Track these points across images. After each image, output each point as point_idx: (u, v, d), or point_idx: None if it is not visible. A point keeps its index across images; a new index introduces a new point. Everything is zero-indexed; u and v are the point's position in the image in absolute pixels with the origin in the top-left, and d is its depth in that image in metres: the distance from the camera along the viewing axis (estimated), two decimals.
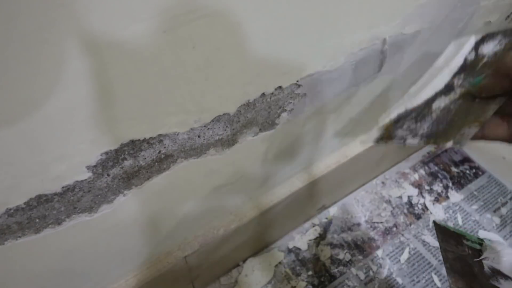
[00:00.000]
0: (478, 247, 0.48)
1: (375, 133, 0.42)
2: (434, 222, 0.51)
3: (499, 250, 0.46)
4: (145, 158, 0.33)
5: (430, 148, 0.83)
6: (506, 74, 0.28)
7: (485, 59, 0.39)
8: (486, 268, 0.46)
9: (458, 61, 0.43)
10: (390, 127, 0.42)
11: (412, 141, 0.36)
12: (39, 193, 0.29)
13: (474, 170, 0.80)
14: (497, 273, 0.46)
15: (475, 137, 0.31)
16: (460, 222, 0.72)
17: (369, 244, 0.69)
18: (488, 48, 0.41)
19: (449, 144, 0.32)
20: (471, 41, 0.44)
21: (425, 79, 0.43)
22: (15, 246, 0.31)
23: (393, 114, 0.42)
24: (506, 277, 0.46)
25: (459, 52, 0.43)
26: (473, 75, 0.38)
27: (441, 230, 0.49)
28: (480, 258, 0.47)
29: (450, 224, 0.72)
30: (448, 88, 0.39)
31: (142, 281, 0.47)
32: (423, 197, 0.76)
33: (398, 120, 0.41)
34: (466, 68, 0.41)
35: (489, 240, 0.49)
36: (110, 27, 0.23)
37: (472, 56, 0.42)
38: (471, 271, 0.46)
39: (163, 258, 0.48)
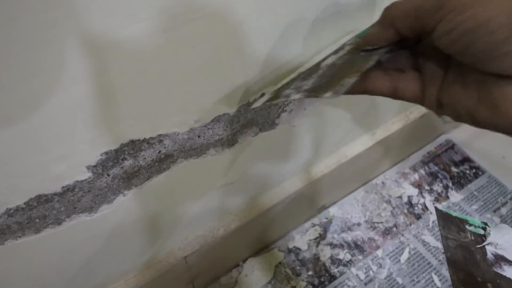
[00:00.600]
0: (481, 232, 0.46)
1: (265, 98, 0.36)
2: (435, 208, 0.49)
3: (504, 234, 0.44)
4: (145, 158, 0.33)
5: (430, 148, 0.83)
6: (390, 24, 0.25)
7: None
8: (489, 255, 0.45)
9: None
10: (280, 91, 0.36)
11: (295, 96, 0.31)
12: (39, 193, 0.29)
13: (474, 170, 0.80)
14: (501, 259, 0.44)
15: (358, 90, 0.28)
16: None
17: (369, 244, 0.69)
18: None
19: (328, 94, 0.28)
20: None
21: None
22: (15, 246, 0.31)
23: (285, 80, 0.38)
24: (510, 262, 0.44)
25: None
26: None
27: (443, 217, 0.49)
28: (483, 243, 0.45)
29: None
30: (338, 49, 0.35)
31: (142, 281, 0.47)
32: (423, 197, 0.76)
33: (288, 83, 0.36)
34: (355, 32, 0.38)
35: (494, 224, 0.46)
36: (110, 27, 0.23)
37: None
38: (473, 259, 0.45)
39: (163, 258, 0.48)
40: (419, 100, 0.26)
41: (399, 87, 0.27)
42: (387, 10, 0.25)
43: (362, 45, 0.28)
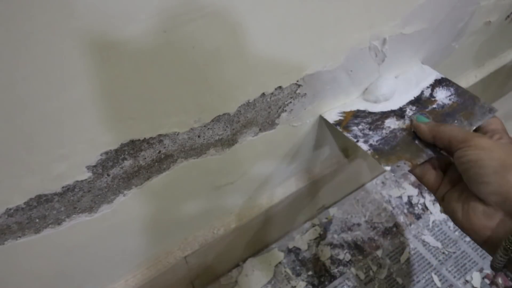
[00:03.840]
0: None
1: (336, 115, 0.45)
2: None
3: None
4: (145, 158, 0.33)
5: None
6: (432, 137, 0.37)
7: (434, 105, 0.43)
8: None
9: (415, 91, 0.46)
10: (349, 116, 0.44)
11: (363, 146, 0.41)
12: (39, 193, 0.29)
13: None
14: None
15: (412, 172, 0.38)
16: None
17: (369, 244, 0.69)
18: (441, 95, 0.45)
19: (387, 168, 0.38)
20: (432, 76, 0.47)
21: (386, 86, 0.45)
22: (15, 246, 0.31)
23: (354, 107, 0.44)
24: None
25: (420, 83, 0.46)
26: (420, 112, 0.44)
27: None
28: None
29: (450, 224, 0.72)
30: (400, 112, 0.43)
31: (142, 281, 0.47)
32: (423, 197, 0.76)
33: (357, 116, 0.43)
34: (419, 102, 0.45)
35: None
36: (110, 27, 0.23)
37: (428, 93, 0.46)
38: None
39: (163, 258, 0.48)
40: (434, 191, 0.37)
41: (426, 176, 0.38)
42: (435, 127, 0.37)
43: (415, 132, 0.40)
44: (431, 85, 0.47)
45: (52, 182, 0.29)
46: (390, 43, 0.43)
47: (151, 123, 0.31)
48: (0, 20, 0.19)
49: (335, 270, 0.66)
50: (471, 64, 0.66)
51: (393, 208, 0.74)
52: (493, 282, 0.65)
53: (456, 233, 0.70)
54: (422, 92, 0.47)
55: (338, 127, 0.44)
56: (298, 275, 0.65)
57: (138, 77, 0.27)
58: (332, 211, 0.73)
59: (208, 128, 0.36)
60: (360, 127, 0.43)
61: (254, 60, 0.33)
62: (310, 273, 0.66)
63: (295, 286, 0.64)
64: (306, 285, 0.64)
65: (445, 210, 0.35)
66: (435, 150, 0.38)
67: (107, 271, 0.44)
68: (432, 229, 0.71)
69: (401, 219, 0.73)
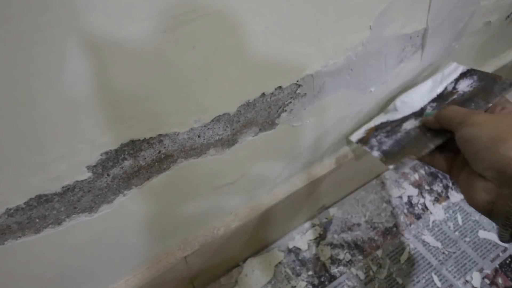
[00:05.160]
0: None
1: (360, 134, 0.47)
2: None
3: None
4: (145, 158, 0.33)
5: None
6: (437, 121, 0.38)
7: (455, 96, 0.43)
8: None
9: (439, 89, 0.47)
10: (371, 132, 0.45)
11: (375, 153, 0.44)
12: (39, 193, 0.29)
13: None
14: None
15: (422, 161, 0.40)
16: (460, 222, 0.72)
17: (369, 244, 0.69)
18: (463, 85, 0.45)
19: (391, 167, 0.41)
20: (458, 71, 0.48)
21: (414, 91, 0.46)
22: (15, 246, 0.31)
23: (378, 121, 0.46)
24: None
25: (446, 79, 0.47)
26: (438, 107, 0.43)
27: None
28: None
29: (450, 224, 0.72)
30: (420, 111, 0.44)
31: (142, 281, 0.47)
32: (423, 197, 0.76)
33: (378, 129, 0.45)
34: (441, 98, 0.45)
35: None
36: (110, 27, 0.23)
37: (451, 87, 0.46)
38: None
39: (163, 258, 0.48)
40: (447, 173, 0.38)
41: (434, 162, 0.40)
42: (438, 112, 0.38)
43: (425, 124, 0.42)
44: (455, 79, 0.48)
45: (52, 182, 0.29)
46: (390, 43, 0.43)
47: (151, 123, 0.31)
48: (0, 20, 0.19)
49: (335, 270, 0.66)
50: (471, 64, 0.66)
51: (393, 208, 0.74)
52: (493, 282, 0.65)
53: (456, 233, 0.70)
54: (445, 88, 0.47)
55: (359, 144, 0.47)
56: (298, 275, 0.65)
57: (138, 77, 0.27)
58: (332, 211, 0.73)
59: (208, 128, 0.36)
60: (378, 137, 0.46)
61: (254, 60, 0.33)
62: (310, 273, 0.66)
63: (295, 286, 0.64)
64: (306, 285, 0.64)
65: (460, 190, 0.37)
66: (445, 135, 0.39)
67: (107, 271, 0.44)
68: (432, 229, 0.71)
69: (401, 219, 0.73)
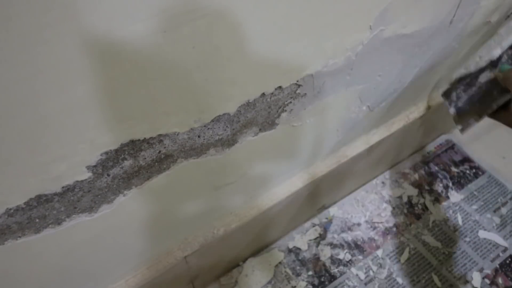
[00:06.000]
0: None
1: (445, 85, 0.49)
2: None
3: None
4: (145, 158, 0.33)
5: (430, 148, 0.83)
6: (504, 82, 0.40)
7: None
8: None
9: None
10: (454, 84, 0.48)
11: (451, 110, 0.46)
12: (39, 193, 0.29)
13: (474, 170, 0.80)
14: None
15: (490, 116, 0.42)
16: (460, 222, 0.72)
17: (369, 244, 0.69)
18: None
19: (459, 127, 0.43)
20: None
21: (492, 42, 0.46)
22: (15, 246, 0.31)
23: (460, 72, 0.48)
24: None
25: None
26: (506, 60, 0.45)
27: None
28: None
29: (450, 224, 0.72)
30: (496, 61, 0.45)
31: (142, 281, 0.47)
32: (423, 197, 0.76)
33: (460, 80, 0.47)
34: None
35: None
36: (110, 27, 0.23)
37: None
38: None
39: (163, 258, 0.48)
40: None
41: (501, 119, 0.42)
42: (503, 74, 0.41)
43: (496, 77, 0.43)
44: None
45: (52, 182, 0.29)
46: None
47: (151, 123, 0.31)
48: (1, 20, 0.19)
49: (335, 270, 0.66)
50: None
51: (393, 208, 0.74)
52: (493, 282, 0.65)
53: (456, 233, 0.70)
54: None
55: (443, 98, 0.48)
56: (298, 275, 0.65)
57: (138, 77, 0.27)
58: (332, 211, 0.73)
59: (208, 128, 0.35)
60: (458, 91, 0.47)
61: (254, 60, 0.33)
62: (310, 273, 0.66)
63: (295, 286, 0.64)
64: (306, 285, 0.64)
65: None
66: (507, 95, 0.40)
67: (107, 271, 0.44)
68: (432, 229, 0.71)
69: (401, 219, 0.73)
